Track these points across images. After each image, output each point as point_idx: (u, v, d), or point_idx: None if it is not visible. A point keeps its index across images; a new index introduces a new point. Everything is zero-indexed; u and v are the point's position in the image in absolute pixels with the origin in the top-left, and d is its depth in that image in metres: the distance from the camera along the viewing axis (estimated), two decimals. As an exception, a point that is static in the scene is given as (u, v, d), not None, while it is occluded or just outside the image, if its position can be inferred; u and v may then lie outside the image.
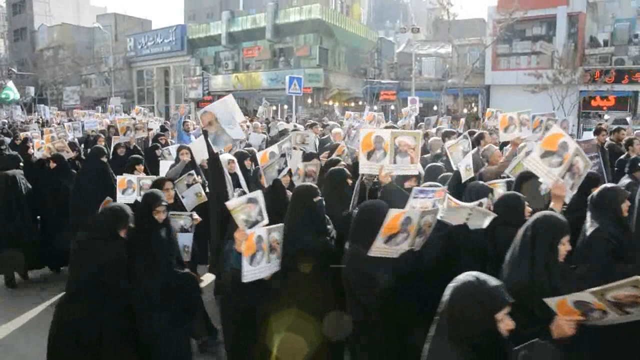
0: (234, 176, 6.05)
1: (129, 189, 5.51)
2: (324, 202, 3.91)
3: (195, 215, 4.93)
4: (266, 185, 4.95)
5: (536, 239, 2.84)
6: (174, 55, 40.20)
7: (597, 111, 23.10)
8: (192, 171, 6.12)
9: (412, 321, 3.21)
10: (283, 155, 5.24)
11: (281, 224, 3.62)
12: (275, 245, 3.56)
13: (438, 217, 3.44)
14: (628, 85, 22.87)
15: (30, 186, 7.13)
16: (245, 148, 7.72)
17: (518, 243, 2.92)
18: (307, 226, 3.73)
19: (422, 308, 3.19)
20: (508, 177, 5.18)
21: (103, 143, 9.12)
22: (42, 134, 11.00)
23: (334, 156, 6.09)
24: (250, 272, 3.38)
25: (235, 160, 6.29)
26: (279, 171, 5.18)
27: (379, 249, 3.19)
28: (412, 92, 25.69)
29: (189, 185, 5.92)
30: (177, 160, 6.76)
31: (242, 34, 35.52)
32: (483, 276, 2.18)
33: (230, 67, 36.56)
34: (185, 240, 4.68)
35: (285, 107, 18.77)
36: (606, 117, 21.05)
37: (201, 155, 6.40)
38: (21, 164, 7.52)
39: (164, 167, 6.85)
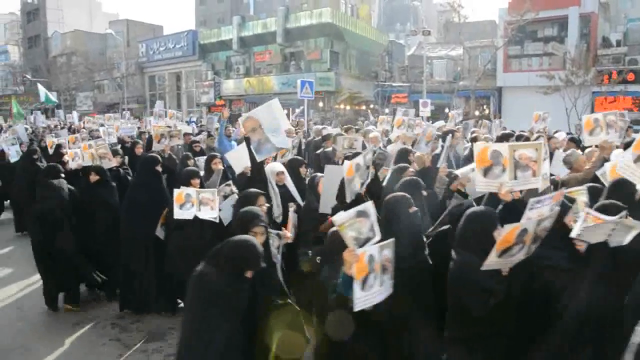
0: (283, 188, 5.51)
1: (187, 203, 5.06)
2: (419, 213, 3.63)
3: (286, 233, 4.35)
4: (348, 200, 4.36)
5: None
6: (186, 60, 40.40)
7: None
8: (230, 181, 5.75)
9: (524, 340, 3.05)
10: (367, 168, 4.75)
11: (392, 240, 3.18)
12: (387, 265, 3.13)
13: (574, 235, 3.15)
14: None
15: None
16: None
17: None
18: (402, 240, 3.40)
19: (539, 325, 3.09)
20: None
21: (141, 150, 8.55)
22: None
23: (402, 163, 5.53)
24: (363, 299, 2.92)
25: (285, 171, 5.62)
26: (362, 184, 4.64)
27: (493, 262, 2.99)
28: (424, 94, 25.63)
29: (225, 197, 5.46)
30: (208, 170, 6.34)
31: (253, 39, 35.64)
32: None
33: (242, 72, 36.69)
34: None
35: (297, 110, 18.79)
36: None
37: (242, 164, 5.96)
38: (62, 174, 6.55)
39: (233, 160, 6.19)
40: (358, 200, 4.37)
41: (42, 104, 28.90)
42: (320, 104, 31.52)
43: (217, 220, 5.17)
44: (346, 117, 28.97)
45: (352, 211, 3.05)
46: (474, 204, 4.28)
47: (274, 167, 5.55)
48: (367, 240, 3.06)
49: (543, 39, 25.73)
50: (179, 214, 5.03)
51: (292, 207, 5.02)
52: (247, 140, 5.29)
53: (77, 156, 7.59)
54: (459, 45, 27.07)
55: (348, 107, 32.26)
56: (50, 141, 10.36)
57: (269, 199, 5.06)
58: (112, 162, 7.37)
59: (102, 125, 13.07)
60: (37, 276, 6.49)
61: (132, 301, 6.04)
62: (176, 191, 5.10)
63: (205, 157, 7.46)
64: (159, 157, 6.41)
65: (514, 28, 23.81)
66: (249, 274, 3.13)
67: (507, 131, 9.41)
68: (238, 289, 3.10)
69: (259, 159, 5.28)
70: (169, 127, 9.22)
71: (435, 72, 30.22)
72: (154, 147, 8.23)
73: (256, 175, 5.35)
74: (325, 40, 32.62)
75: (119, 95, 42.37)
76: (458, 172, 4.95)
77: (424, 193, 4.21)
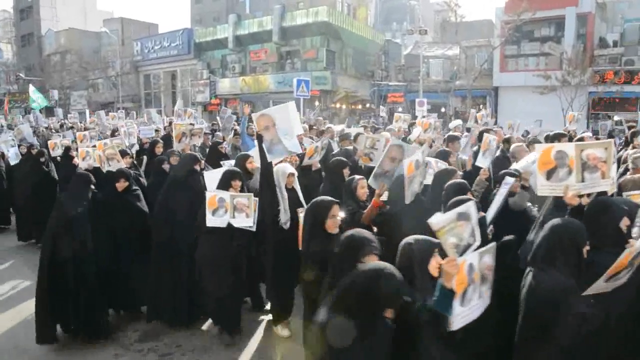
0: (292, 192, 5.22)
1: (221, 209, 4.71)
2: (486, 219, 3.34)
3: None
4: (408, 202, 4.03)
5: None
6: (181, 58, 40.25)
7: (607, 113, 22.88)
8: None
9: None
10: (425, 165, 4.45)
11: (492, 244, 2.69)
12: (487, 274, 2.64)
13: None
14: (638, 86, 22.63)
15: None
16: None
17: None
18: None
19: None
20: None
21: (161, 150, 8.03)
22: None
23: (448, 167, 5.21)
24: (461, 316, 2.47)
25: (296, 174, 5.34)
26: (420, 183, 4.32)
27: (598, 288, 2.71)
28: (420, 94, 25.62)
29: None
30: (242, 170, 5.75)
31: (248, 37, 35.53)
32: None
33: (237, 70, 36.60)
34: None
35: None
36: (616, 118, 20.87)
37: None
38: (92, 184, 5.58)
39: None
40: (417, 201, 4.15)
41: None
42: (317, 103, 31.44)
43: (254, 229, 4.95)
44: (341, 117, 28.89)
45: (453, 213, 2.58)
46: (529, 204, 4.17)
47: (285, 168, 5.27)
48: (467, 247, 2.61)
49: (540, 38, 25.76)
50: (211, 221, 4.73)
51: (301, 213, 4.66)
52: (260, 137, 5.08)
53: (88, 155, 7.15)
54: (456, 44, 27.05)
55: (344, 107, 32.18)
56: (52, 143, 9.71)
57: (275, 204, 4.92)
58: (120, 164, 6.82)
59: (120, 126, 12.50)
60: (33, 278, 5.68)
61: (162, 313, 5.57)
62: (208, 195, 4.81)
63: (225, 162, 6.92)
64: (197, 156, 5.95)
65: (510, 28, 23.86)
66: (388, 314, 2.42)
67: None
68: (379, 336, 2.41)
69: (269, 159, 5.08)
70: (192, 124, 8.65)
71: (432, 72, 30.21)
72: (174, 147, 7.81)
73: (265, 176, 5.09)
74: (321, 39, 32.53)
75: (113, 94, 42.23)
76: (517, 166, 4.73)
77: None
